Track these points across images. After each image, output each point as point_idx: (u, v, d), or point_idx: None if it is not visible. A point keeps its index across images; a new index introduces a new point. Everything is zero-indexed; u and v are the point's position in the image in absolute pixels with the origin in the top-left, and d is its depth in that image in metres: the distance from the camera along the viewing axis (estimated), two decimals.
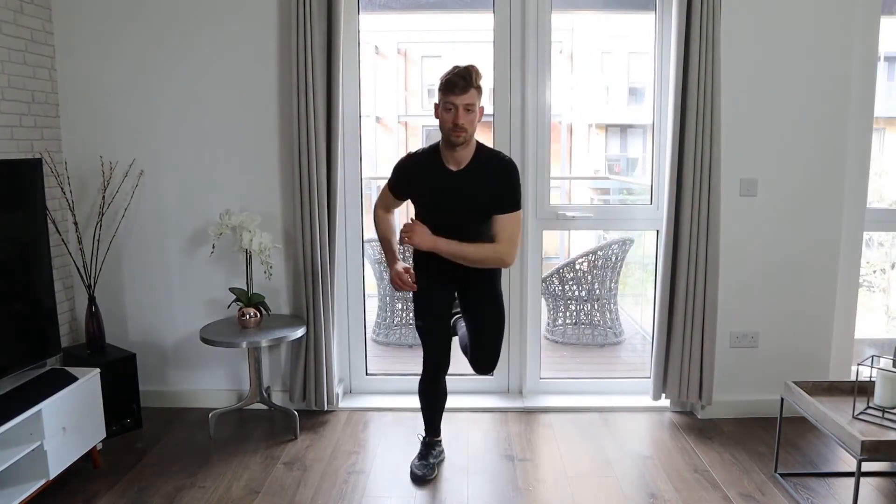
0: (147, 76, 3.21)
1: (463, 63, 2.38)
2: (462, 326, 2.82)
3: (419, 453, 2.84)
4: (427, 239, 2.46)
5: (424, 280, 2.63)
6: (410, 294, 2.72)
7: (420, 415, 2.87)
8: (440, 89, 2.39)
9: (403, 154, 2.62)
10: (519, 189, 2.49)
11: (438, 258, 2.50)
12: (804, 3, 3.06)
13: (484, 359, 2.71)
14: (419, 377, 2.78)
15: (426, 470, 2.75)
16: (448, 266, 2.52)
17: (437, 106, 2.43)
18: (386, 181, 2.66)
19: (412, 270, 2.62)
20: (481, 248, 2.46)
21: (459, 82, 2.34)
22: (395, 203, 2.70)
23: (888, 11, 3.24)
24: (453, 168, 2.48)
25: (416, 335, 2.77)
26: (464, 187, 2.46)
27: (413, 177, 2.56)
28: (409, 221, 2.50)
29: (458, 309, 2.82)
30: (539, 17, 3.24)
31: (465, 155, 2.46)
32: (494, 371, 2.83)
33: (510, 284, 3.44)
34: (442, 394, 2.81)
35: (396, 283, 2.57)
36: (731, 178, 3.14)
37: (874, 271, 4.76)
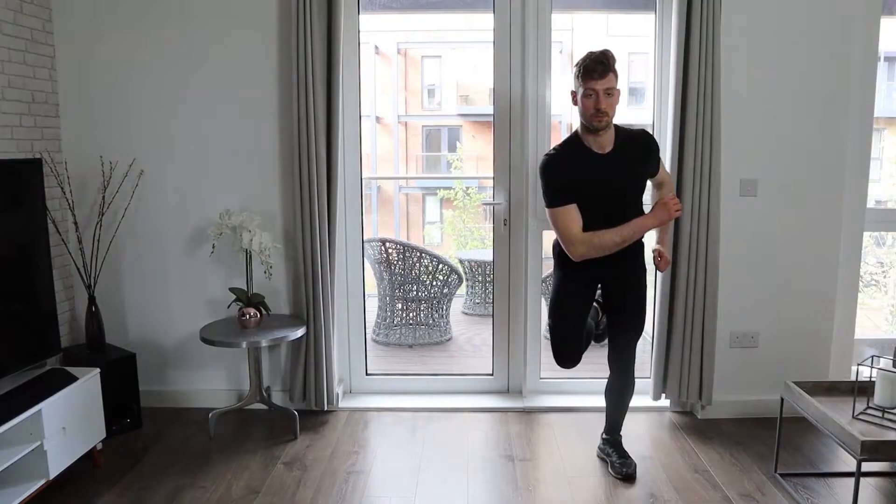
0: (147, 76, 3.21)
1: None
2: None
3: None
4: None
5: (566, 280, 2.62)
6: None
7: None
8: (578, 76, 2.38)
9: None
10: (658, 146, 2.62)
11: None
12: (804, 3, 3.06)
13: (623, 361, 2.73)
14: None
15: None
16: (596, 263, 2.50)
17: (573, 93, 2.43)
18: (550, 208, 2.49)
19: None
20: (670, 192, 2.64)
21: (598, 67, 2.34)
22: (579, 214, 2.46)
23: (888, 11, 3.24)
24: (600, 152, 2.47)
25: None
26: (618, 166, 2.47)
27: (567, 172, 2.47)
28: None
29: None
30: (539, 17, 3.24)
31: (609, 137, 2.47)
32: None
33: (510, 284, 3.45)
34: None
35: (670, 205, 2.53)
36: (731, 178, 3.14)
37: (883, 271, 4.75)
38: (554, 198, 2.47)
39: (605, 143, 2.46)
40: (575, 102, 2.44)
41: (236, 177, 3.28)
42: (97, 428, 2.77)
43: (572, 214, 2.45)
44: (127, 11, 3.16)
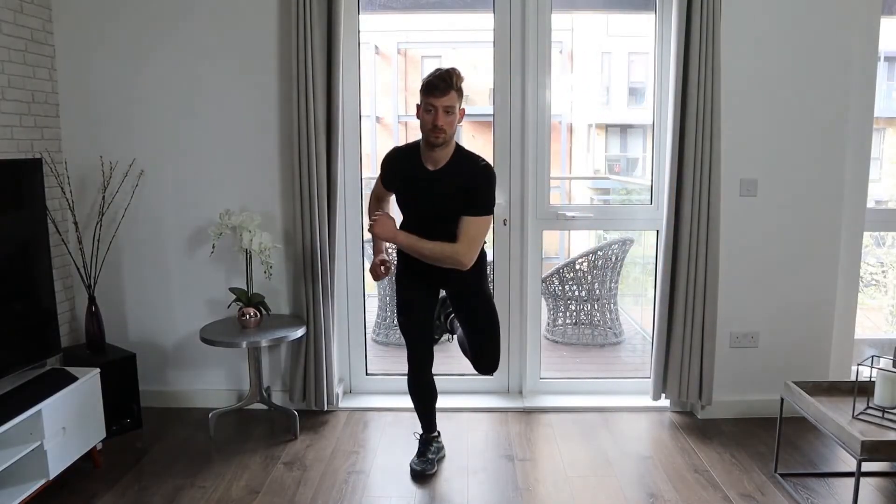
0: (147, 76, 3.21)
1: (448, 65, 2.42)
2: (459, 326, 2.83)
3: (417, 451, 2.84)
4: (388, 230, 2.52)
5: (407, 277, 2.68)
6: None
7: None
8: (421, 91, 2.42)
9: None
10: (492, 195, 2.50)
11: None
12: (804, 3, 3.06)
13: (483, 360, 2.73)
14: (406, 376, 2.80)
15: (425, 465, 2.77)
16: (427, 267, 2.54)
17: (418, 107, 2.46)
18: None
19: (390, 264, 2.72)
20: (439, 245, 2.46)
21: (440, 84, 2.37)
22: (385, 193, 2.76)
23: (888, 11, 3.24)
24: (430, 167, 2.51)
25: None
26: (437, 187, 2.49)
27: (394, 170, 2.63)
28: (378, 213, 2.57)
29: (450, 308, 2.85)
30: (539, 17, 3.24)
31: (443, 156, 2.49)
32: (496, 372, 2.83)
33: (510, 284, 3.45)
34: (429, 389, 2.81)
35: (372, 273, 2.70)
36: (731, 178, 3.14)
37: (883, 271, 4.75)
38: (380, 174, 2.71)
39: (438, 160, 2.49)
40: (417, 116, 2.47)
41: (236, 177, 3.28)
42: (97, 428, 2.77)
43: (379, 187, 2.74)
44: (127, 12, 3.16)
